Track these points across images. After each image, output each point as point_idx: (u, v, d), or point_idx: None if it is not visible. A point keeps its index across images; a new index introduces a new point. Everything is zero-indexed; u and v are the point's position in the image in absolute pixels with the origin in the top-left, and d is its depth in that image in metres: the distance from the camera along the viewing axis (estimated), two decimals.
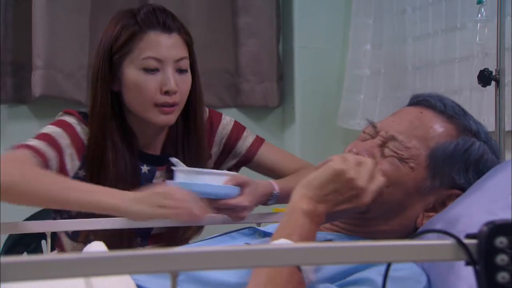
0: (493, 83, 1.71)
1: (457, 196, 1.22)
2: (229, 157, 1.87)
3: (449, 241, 0.70)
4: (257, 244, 1.26)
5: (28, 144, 1.56)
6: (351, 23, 2.70)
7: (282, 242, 0.98)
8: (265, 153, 1.87)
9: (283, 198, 1.65)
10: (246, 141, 1.86)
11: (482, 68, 1.73)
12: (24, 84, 2.50)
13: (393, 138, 1.22)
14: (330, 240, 1.21)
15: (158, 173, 1.74)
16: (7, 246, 2.05)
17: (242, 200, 1.52)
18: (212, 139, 1.82)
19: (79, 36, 2.53)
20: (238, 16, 2.82)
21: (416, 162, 1.20)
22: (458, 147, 1.22)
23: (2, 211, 2.29)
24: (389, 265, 0.76)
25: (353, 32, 2.68)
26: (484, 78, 1.71)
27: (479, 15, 1.85)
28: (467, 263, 0.70)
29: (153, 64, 1.63)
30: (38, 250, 2.05)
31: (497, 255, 0.68)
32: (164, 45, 1.64)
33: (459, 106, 1.30)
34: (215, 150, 1.84)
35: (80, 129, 1.65)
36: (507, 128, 1.77)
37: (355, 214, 1.19)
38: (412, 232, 1.22)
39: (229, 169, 1.88)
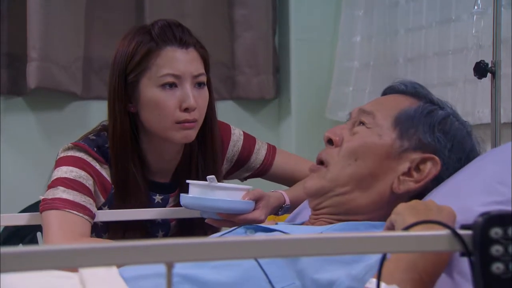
0: (489, 75, 1.71)
1: (431, 160, 1.24)
2: (240, 170, 1.85)
3: (444, 232, 0.70)
4: (250, 236, 1.26)
5: (67, 199, 1.54)
6: (341, 15, 2.70)
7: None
8: (279, 164, 1.85)
9: (293, 208, 1.66)
10: (259, 155, 1.84)
11: (476, 60, 1.73)
12: (19, 76, 2.49)
13: (361, 111, 1.31)
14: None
15: (170, 199, 1.72)
16: (2, 238, 2.05)
17: (259, 215, 1.53)
18: (223, 156, 1.80)
19: (75, 28, 2.52)
20: (234, 8, 2.81)
21: (383, 130, 1.27)
22: (419, 110, 1.28)
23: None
24: (384, 256, 0.76)
25: (343, 24, 2.68)
26: (480, 70, 1.70)
27: (475, 7, 1.84)
28: (462, 254, 0.70)
29: (171, 80, 1.58)
30: (33, 242, 2.05)
31: (492, 246, 0.68)
32: (182, 61, 1.60)
33: (421, 86, 1.36)
34: (225, 166, 1.82)
35: (99, 166, 1.61)
36: (503, 120, 1.77)
37: (332, 196, 1.27)
38: (391, 199, 1.24)
39: (239, 179, 1.89)
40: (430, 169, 1.24)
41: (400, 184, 1.24)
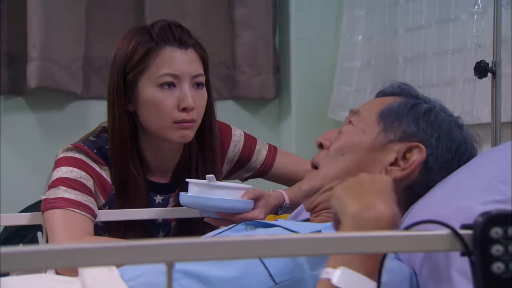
0: (489, 75, 1.71)
1: (417, 148, 1.25)
2: (241, 170, 1.86)
3: (444, 231, 0.70)
4: (249, 235, 1.26)
5: (69, 199, 1.54)
6: (343, 15, 2.70)
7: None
8: (279, 165, 1.86)
9: (293, 207, 1.66)
10: (259, 156, 1.84)
11: (476, 60, 1.73)
12: (19, 75, 2.49)
13: (350, 111, 1.35)
14: (319, 231, 1.21)
15: (171, 200, 1.73)
16: (2, 238, 2.05)
17: (258, 214, 1.53)
18: (224, 157, 1.80)
19: (75, 27, 2.52)
20: (234, 8, 2.81)
21: (367, 125, 1.30)
22: (403, 104, 1.31)
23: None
24: (384, 256, 0.76)
25: (345, 24, 2.68)
26: (481, 70, 1.70)
27: (476, 7, 1.84)
28: (463, 254, 0.70)
29: (170, 80, 1.59)
30: (33, 242, 2.05)
31: (493, 246, 0.68)
32: (181, 61, 1.60)
33: (407, 84, 1.40)
34: (226, 167, 1.82)
35: (99, 168, 1.62)
36: (503, 119, 1.77)
37: (322, 193, 1.29)
38: None
39: (240, 180, 1.89)
40: (416, 157, 1.25)
41: (387, 174, 1.25)
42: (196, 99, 1.62)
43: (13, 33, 2.50)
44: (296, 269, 1.09)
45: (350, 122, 1.33)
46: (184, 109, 1.60)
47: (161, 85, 1.59)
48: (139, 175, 1.64)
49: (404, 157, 1.26)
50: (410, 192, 1.25)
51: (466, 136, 1.32)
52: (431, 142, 1.26)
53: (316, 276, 1.07)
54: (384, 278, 1.03)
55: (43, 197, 1.58)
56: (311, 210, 1.32)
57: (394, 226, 0.94)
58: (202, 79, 1.64)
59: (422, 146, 1.25)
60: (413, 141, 1.26)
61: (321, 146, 1.36)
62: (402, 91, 1.37)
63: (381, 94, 1.41)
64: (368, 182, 1.03)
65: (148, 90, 1.60)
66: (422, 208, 1.21)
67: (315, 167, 1.35)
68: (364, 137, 1.29)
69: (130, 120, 1.64)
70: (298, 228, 1.22)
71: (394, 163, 1.26)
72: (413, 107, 1.30)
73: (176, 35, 1.61)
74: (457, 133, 1.30)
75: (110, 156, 1.63)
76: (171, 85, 1.60)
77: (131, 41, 1.62)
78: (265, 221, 1.34)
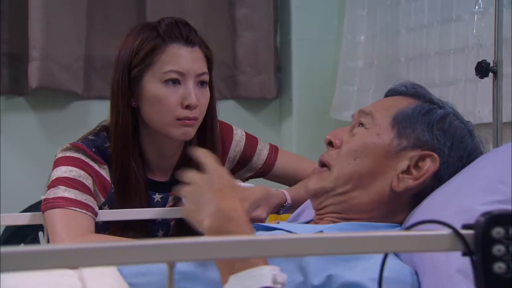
0: (490, 74, 1.71)
1: (430, 157, 1.24)
2: (242, 170, 1.85)
3: (445, 231, 0.70)
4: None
5: (69, 198, 1.54)
6: (345, 15, 2.70)
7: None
8: (281, 165, 1.85)
9: (294, 207, 1.66)
10: (261, 155, 1.84)
11: (477, 60, 1.73)
12: (20, 75, 2.49)
13: (360, 112, 1.32)
14: (321, 231, 1.21)
15: (170, 198, 1.73)
16: (4, 238, 2.05)
17: (261, 213, 1.53)
18: (225, 157, 1.79)
19: (76, 27, 2.52)
20: (235, 7, 2.81)
21: (381, 129, 1.27)
22: (417, 109, 1.29)
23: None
24: (385, 256, 0.76)
25: (347, 24, 2.69)
26: (482, 69, 1.70)
27: (477, 7, 1.84)
28: (464, 254, 0.70)
29: (175, 77, 1.60)
30: (35, 241, 2.05)
31: (494, 246, 0.68)
32: (186, 58, 1.61)
33: (421, 86, 1.37)
34: (227, 167, 1.81)
35: (98, 167, 1.62)
36: (504, 119, 1.77)
37: (332, 196, 1.27)
38: (391, 197, 1.25)
39: (241, 179, 1.89)
40: (429, 166, 1.23)
41: (400, 182, 1.24)
42: (199, 97, 1.62)
43: (14, 33, 2.50)
44: (299, 271, 1.08)
45: (361, 123, 1.31)
46: (188, 107, 1.60)
47: (166, 82, 1.60)
48: (139, 173, 1.64)
49: (416, 165, 1.25)
50: (417, 198, 1.25)
51: (478, 143, 1.31)
52: (443, 151, 1.25)
53: (316, 283, 1.07)
54: (385, 275, 1.03)
55: (43, 197, 1.58)
56: (318, 210, 1.32)
57: (245, 209, 1.03)
58: (206, 77, 1.65)
59: (436, 156, 1.24)
60: (426, 148, 1.25)
61: (330, 144, 1.33)
62: (416, 92, 1.34)
63: (392, 92, 1.39)
64: (205, 184, 1.07)
65: (152, 86, 1.61)
66: (424, 209, 1.21)
67: (323, 165, 1.33)
68: (378, 142, 1.26)
69: (132, 115, 1.65)
70: (300, 230, 1.22)
71: (406, 170, 1.25)
72: (428, 113, 1.28)
73: (183, 32, 1.62)
74: (469, 141, 1.29)
75: (111, 153, 1.63)
76: (175, 81, 1.61)
77: (137, 37, 1.63)
78: (267, 224, 1.34)
